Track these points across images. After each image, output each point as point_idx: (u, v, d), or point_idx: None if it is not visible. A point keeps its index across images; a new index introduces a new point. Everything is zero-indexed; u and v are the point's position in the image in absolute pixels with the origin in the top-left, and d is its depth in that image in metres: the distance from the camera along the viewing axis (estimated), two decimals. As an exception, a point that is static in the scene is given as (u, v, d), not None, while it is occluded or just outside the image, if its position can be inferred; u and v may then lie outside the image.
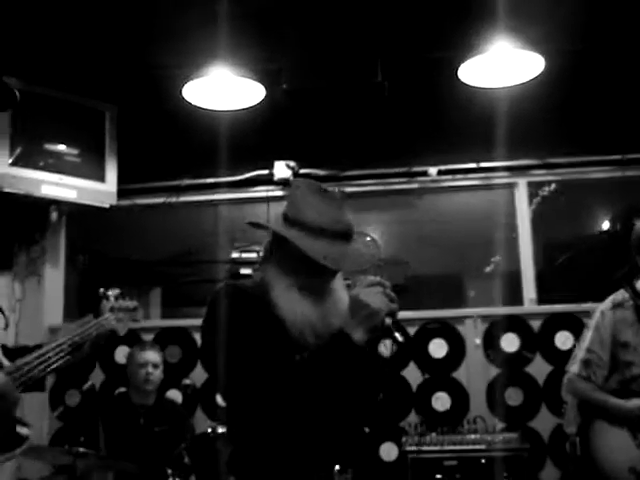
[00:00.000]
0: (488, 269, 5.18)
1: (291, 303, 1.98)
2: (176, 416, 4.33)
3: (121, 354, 4.94)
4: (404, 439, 4.39)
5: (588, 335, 3.52)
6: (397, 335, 1.93)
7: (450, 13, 4.08)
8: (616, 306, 3.50)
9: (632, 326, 3.43)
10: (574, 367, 3.50)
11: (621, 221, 5.14)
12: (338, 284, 2.09)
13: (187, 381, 4.65)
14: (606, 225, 5.38)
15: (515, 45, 4.06)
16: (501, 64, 4.23)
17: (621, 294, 3.53)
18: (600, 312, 3.52)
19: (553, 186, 5.10)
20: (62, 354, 2.80)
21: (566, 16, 3.95)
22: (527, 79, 4.31)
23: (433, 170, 5.10)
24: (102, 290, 3.15)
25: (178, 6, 4.01)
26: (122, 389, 4.57)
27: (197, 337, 5.03)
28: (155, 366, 4.32)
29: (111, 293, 3.16)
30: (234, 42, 4.07)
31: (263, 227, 2.10)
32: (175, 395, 4.83)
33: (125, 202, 5.14)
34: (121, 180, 4.93)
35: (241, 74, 4.29)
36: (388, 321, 1.91)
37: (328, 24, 3.97)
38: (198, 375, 4.89)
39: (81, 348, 2.91)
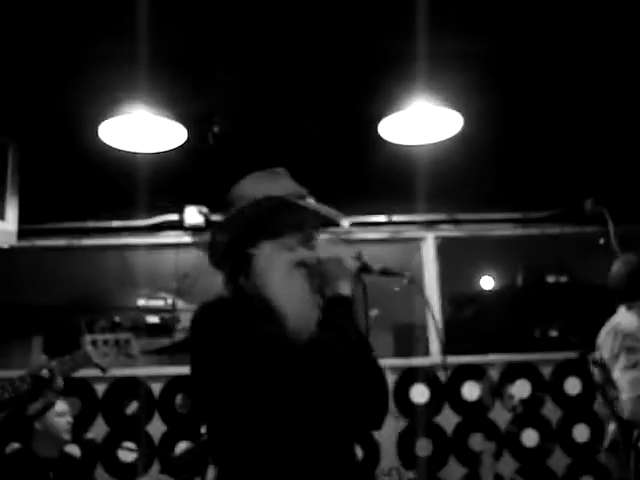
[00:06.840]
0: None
1: (288, 297, 1.94)
2: (81, 472, 4.03)
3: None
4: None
5: None
6: (371, 267, 2.04)
7: (372, 69, 4.17)
8: None
9: None
10: None
11: (523, 276, 5.39)
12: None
13: (89, 435, 4.36)
14: (501, 281, 5.62)
15: (434, 103, 4.20)
16: (420, 122, 4.37)
17: None
18: None
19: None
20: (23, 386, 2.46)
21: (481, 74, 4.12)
22: (445, 137, 4.46)
23: (346, 222, 5.11)
24: (83, 323, 2.82)
25: (96, 38, 3.85)
26: (15, 444, 4.19)
27: (97, 388, 4.77)
28: (71, 415, 4.00)
29: (96, 325, 2.83)
30: (156, 81, 3.96)
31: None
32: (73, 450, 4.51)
33: (25, 243, 4.82)
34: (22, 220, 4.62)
35: (163, 115, 4.17)
36: (357, 263, 2.00)
37: (262, 69, 3.95)
38: (98, 429, 4.62)
39: (51, 384, 2.55)
